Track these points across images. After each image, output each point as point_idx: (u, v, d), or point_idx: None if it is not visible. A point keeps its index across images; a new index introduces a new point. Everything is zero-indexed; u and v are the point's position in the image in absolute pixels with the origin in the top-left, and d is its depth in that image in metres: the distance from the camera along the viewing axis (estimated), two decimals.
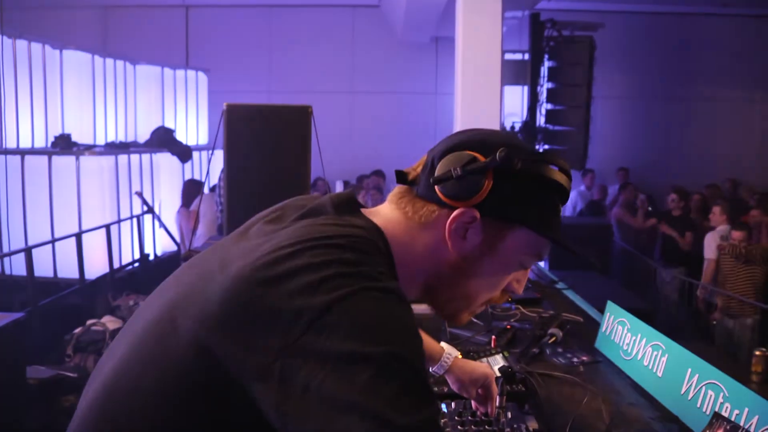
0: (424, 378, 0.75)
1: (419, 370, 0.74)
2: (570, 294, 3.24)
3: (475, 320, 2.49)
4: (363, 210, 0.94)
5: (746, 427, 1.52)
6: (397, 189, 0.97)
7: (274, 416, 0.73)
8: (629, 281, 6.40)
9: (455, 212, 0.88)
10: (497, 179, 0.87)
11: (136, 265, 6.06)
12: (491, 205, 0.88)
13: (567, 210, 8.05)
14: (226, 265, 0.82)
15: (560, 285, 3.34)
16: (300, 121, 3.24)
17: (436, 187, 0.89)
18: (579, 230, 6.88)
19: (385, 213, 0.94)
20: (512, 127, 7.07)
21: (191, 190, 6.20)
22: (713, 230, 5.42)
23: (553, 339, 2.26)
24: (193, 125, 8.32)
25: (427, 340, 1.46)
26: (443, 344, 1.48)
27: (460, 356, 1.50)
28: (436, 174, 0.89)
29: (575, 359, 2.17)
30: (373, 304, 0.75)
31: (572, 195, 8.09)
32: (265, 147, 3.20)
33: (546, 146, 6.85)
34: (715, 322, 5.08)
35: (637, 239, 6.95)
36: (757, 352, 3.27)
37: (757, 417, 1.51)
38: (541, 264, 4.06)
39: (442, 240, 0.90)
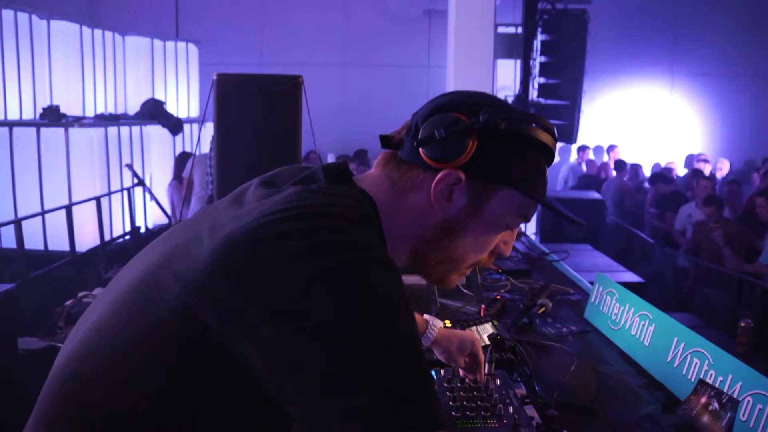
0: (419, 354, 0.75)
1: (413, 346, 0.75)
2: (560, 266, 3.26)
3: (465, 291, 2.50)
4: (354, 178, 0.94)
5: (730, 392, 1.55)
6: (382, 154, 0.97)
7: (265, 376, 0.73)
8: (622, 256, 6.45)
9: (440, 174, 0.88)
10: (481, 140, 0.87)
11: (127, 238, 6.04)
12: (476, 166, 0.87)
13: (558, 184, 8.06)
14: (216, 228, 0.82)
15: (551, 257, 3.35)
16: (291, 92, 3.21)
17: (420, 149, 0.89)
18: (571, 204, 6.90)
19: (373, 179, 0.94)
20: (505, 101, 7.04)
21: (183, 163, 6.15)
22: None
23: (543, 309, 2.28)
24: (184, 98, 8.24)
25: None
26: (426, 316, 1.48)
27: (445, 326, 1.51)
28: (419, 136, 0.89)
29: (564, 329, 2.19)
30: (365, 274, 0.75)
31: (564, 169, 8.13)
32: (256, 117, 3.17)
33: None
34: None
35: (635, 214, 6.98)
36: (742, 324, 3.33)
37: (740, 383, 1.53)
38: (532, 237, 4.07)
39: (428, 203, 0.90)
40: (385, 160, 0.95)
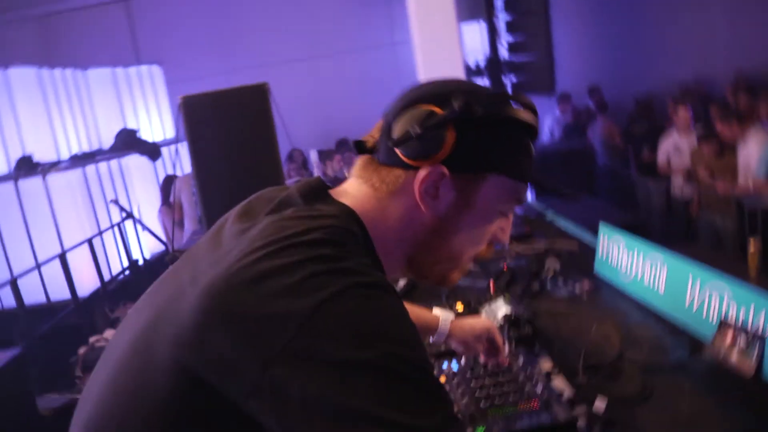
0: (430, 372, 0.71)
1: (423, 365, 0.71)
2: (561, 222, 3.22)
3: (470, 267, 2.46)
4: (332, 192, 0.90)
5: (755, 327, 1.52)
6: (359, 161, 0.92)
7: (278, 430, 0.69)
8: (617, 199, 6.41)
9: (422, 173, 0.83)
10: (460, 130, 0.82)
11: (127, 273, 5.98)
12: (458, 158, 0.83)
13: (545, 137, 8.00)
14: (197, 279, 0.77)
15: (549, 215, 3.31)
16: (259, 100, 3.15)
17: (396, 150, 0.84)
18: (560, 156, 6.86)
19: (353, 190, 0.89)
20: (477, 65, 6.96)
21: (170, 187, 6.07)
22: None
23: (552, 271, 2.24)
24: (157, 121, 8.13)
25: (419, 312, 1.43)
26: (436, 310, 1.45)
27: (457, 311, 1.48)
28: (394, 137, 0.84)
29: (577, 288, 2.16)
30: (362, 303, 0.70)
31: (548, 122, 8.06)
32: (229, 132, 3.11)
33: (513, 78, 6.75)
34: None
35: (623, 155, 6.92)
36: (752, 244, 3.30)
37: (763, 312, 1.50)
38: (528, 197, 4.03)
39: (414, 205, 0.85)
40: (362, 166, 0.91)
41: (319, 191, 0.88)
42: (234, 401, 0.70)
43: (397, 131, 0.84)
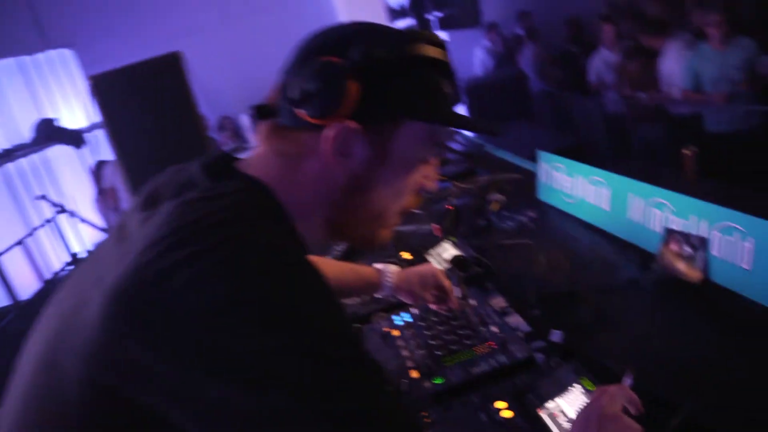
0: (358, 353, 0.64)
1: (349, 346, 0.64)
2: (501, 153, 3.19)
3: (414, 210, 2.41)
4: (238, 165, 0.81)
5: (697, 232, 1.51)
6: (263, 127, 0.83)
7: None
8: (556, 123, 6.43)
9: (329, 131, 0.75)
10: (363, 78, 0.74)
11: (70, 268, 5.75)
12: (366, 109, 0.75)
13: (478, 70, 7.92)
14: (101, 278, 0.69)
15: (489, 147, 3.27)
16: (173, 70, 2.95)
17: (298, 110, 0.76)
18: (496, 86, 6.80)
19: (260, 161, 0.81)
20: (400, 5, 6.78)
21: (102, 173, 5.80)
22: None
23: (496, 205, 2.20)
24: (77, 107, 7.72)
25: (359, 270, 1.37)
26: (378, 265, 1.38)
27: (404, 260, 1.42)
28: (292, 96, 0.76)
29: (523, 218, 2.13)
30: (279, 286, 0.63)
31: (479, 53, 7.98)
32: (147, 107, 2.92)
33: (438, 13, 6.61)
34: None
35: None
36: (686, 152, 3.34)
37: (706, 221, 1.49)
38: (466, 132, 3.98)
39: (327, 166, 0.77)
40: (266, 133, 0.82)
41: (224, 166, 0.80)
42: (154, 411, 0.63)
43: (294, 90, 0.76)
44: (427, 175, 0.86)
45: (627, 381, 0.94)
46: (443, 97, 0.80)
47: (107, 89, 2.99)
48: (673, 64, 4.53)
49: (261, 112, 0.81)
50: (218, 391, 0.60)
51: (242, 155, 0.86)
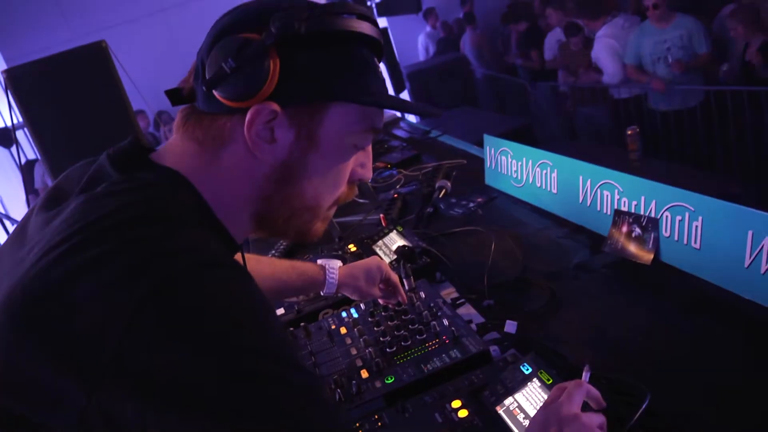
0: (292, 366, 0.57)
1: (281, 359, 0.57)
2: (446, 139, 3.14)
3: (360, 200, 2.34)
4: (153, 156, 0.72)
5: (647, 213, 1.49)
6: (178, 114, 0.74)
7: None
8: (501, 105, 6.44)
9: (248, 114, 0.67)
10: (284, 56, 0.67)
11: None
12: (289, 90, 0.67)
13: (420, 55, 7.88)
14: None
15: (434, 133, 3.22)
16: (99, 60, 2.76)
17: (214, 92, 0.67)
18: (438, 70, 6.76)
19: (177, 149, 0.72)
20: None
21: (33, 171, 5.52)
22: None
23: (443, 191, 2.15)
24: (3, 104, 7.31)
25: (301, 267, 1.29)
26: (320, 261, 1.30)
27: (350, 252, 1.35)
28: (207, 77, 0.67)
29: (471, 204, 2.08)
30: (198, 291, 0.56)
31: (421, 39, 7.93)
32: (71, 103, 2.72)
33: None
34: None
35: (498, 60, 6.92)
36: (629, 131, 3.38)
37: (654, 201, 1.47)
38: (411, 118, 3.93)
39: (249, 154, 0.69)
40: (183, 119, 0.73)
41: (136, 156, 0.71)
42: None
43: (209, 70, 0.67)
44: (363, 163, 0.79)
45: (585, 376, 0.90)
46: (374, 75, 0.73)
47: (25, 83, 2.79)
48: (613, 43, 4.58)
49: (175, 97, 0.73)
50: (132, 410, 0.52)
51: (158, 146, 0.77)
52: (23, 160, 6.16)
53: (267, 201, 0.73)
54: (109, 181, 0.67)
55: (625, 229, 1.55)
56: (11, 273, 0.61)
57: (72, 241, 0.58)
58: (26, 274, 0.58)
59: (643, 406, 0.86)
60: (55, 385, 0.55)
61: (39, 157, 5.24)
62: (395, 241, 1.69)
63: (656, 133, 4.32)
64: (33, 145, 2.90)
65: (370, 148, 0.80)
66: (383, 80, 0.75)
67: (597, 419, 0.83)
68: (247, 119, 0.67)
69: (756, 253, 1.23)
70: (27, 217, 0.74)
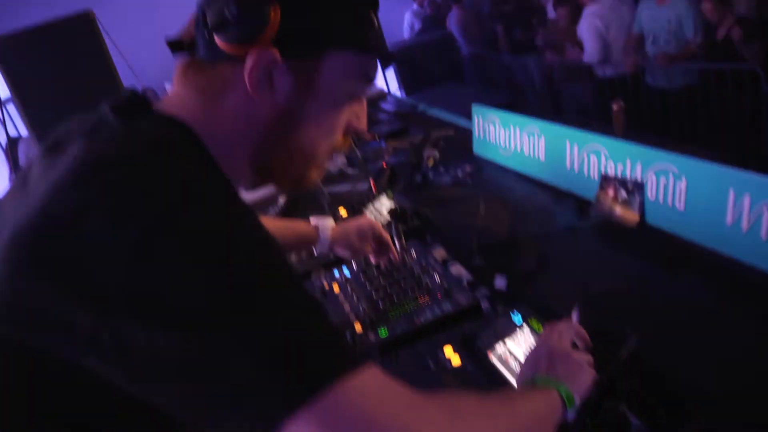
0: (301, 287, 0.59)
1: (289, 279, 0.59)
2: (434, 112, 3.16)
3: (349, 171, 2.35)
4: (154, 106, 0.73)
5: (632, 176, 1.52)
6: (178, 65, 0.75)
7: (128, 387, 0.56)
8: (488, 82, 6.45)
9: (248, 60, 0.68)
10: (285, 2, 0.68)
11: None
12: (289, 37, 0.69)
13: (406, 33, 7.85)
14: (0, 230, 0.61)
15: (422, 107, 3.23)
16: (86, 31, 2.73)
17: (216, 39, 0.69)
18: (424, 48, 6.75)
19: (177, 99, 0.74)
20: None
21: (16, 150, 5.42)
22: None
23: (432, 161, 2.17)
24: None
25: (295, 226, 1.31)
26: (313, 220, 1.32)
27: (340, 216, 1.37)
28: (209, 23, 0.69)
29: (459, 172, 2.10)
30: (205, 219, 0.57)
31: (407, 17, 7.90)
32: (58, 74, 2.68)
33: None
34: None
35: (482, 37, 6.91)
36: (615, 107, 3.41)
37: (639, 164, 1.50)
38: (397, 94, 3.94)
39: (249, 101, 0.71)
40: (183, 69, 0.75)
41: (138, 106, 0.72)
42: (72, 363, 0.56)
43: (211, 17, 0.69)
44: (357, 114, 0.81)
45: (574, 316, 0.93)
46: (371, 27, 0.75)
47: (13, 53, 2.74)
48: (597, 23, 4.60)
49: (176, 47, 0.74)
50: (145, 336, 0.54)
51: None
52: (4, 140, 6.07)
53: (265, 148, 0.74)
54: (112, 128, 0.68)
55: (611, 193, 1.58)
56: (17, 212, 0.62)
57: (77, 178, 0.59)
58: (35, 209, 0.59)
59: (629, 346, 0.89)
60: (64, 311, 0.56)
61: (26, 132, 5.16)
62: (385, 205, 1.71)
63: (644, 111, 4.35)
64: (22, 119, 2.86)
65: (365, 101, 0.82)
66: (378, 31, 0.77)
67: (585, 356, 0.86)
68: (247, 65, 0.69)
69: (738, 211, 1.27)
70: (29, 167, 0.74)
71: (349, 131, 0.82)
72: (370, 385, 0.54)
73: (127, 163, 0.60)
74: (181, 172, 0.61)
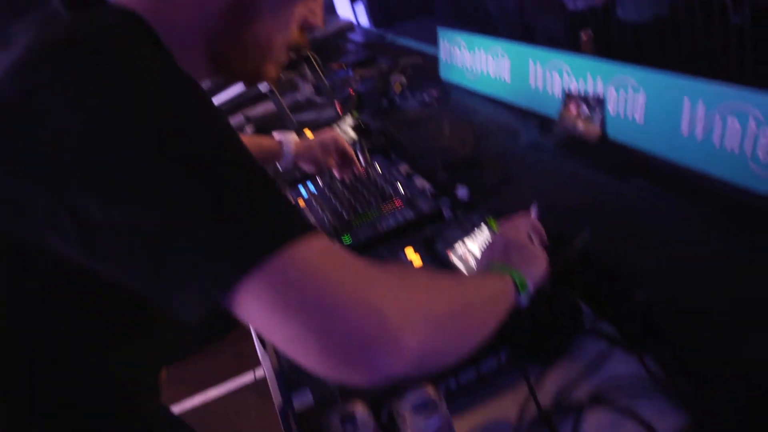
0: (253, 162, 0.60)
1: (239, 150, 0.59)
2: (403, 40, 3.12)
3: (317, 99, 2.33)
4: None
5: (594, 92, 1.54)
6: None
7: (90, 266, 0.57)
8: (458, 15, 6.35)
9: None
10: None
11: None
12: None
13: None
14: None
15: (390, 37, 3.19)
16: None
17: None
18: None
19: None
20: None
21: None
22: None
23: (399, 86, 2.16)
24: None
25: (259, 141, 1.31)
26: (276, 135, 1.32)
27: (305, 136, 1.37)
28: None
29: (426, 97, 2.10)
30: (160, 95, 0.57)
31: None
32: None
33: None
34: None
35: None
36: (584, 37, 3.40)
37: (600, 78, 1.52)
38: (365, 24, 3.87)
39: None
40: None
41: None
42: (34, 245, 0.57)
43: None
44: (313, 10, 0.80)
45: (533, 211, 0.95)
46: None
47: None
48: None
49: None
50: (101, 213, 0.54)
51: None
52: None
53: (219, 38, 0.74)
54: (62, 18, 0.67)
55: (573, 109, 1.60)
56: None
57: (27, 62, 0.58)
58: None
59: (583, 238, 0.92)
60: (23, 195, 0.56)
61: None
62: (350, 123, 1.71)
63: (615, 44, 4.34)
64: None
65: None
66: None
67: (541, 251, 0.89)
68: None
69: (692, 120, 1.30)
70: None
71: (305, 27, 0.82)
72: (321, 250, 0.55)
73: (77, 47, 0.59)
74: (130, 54, 0.60)
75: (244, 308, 0.52)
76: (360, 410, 0.76)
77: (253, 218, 0.54)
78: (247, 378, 2.76)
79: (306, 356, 0.52)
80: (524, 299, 0.82)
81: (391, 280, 0.58)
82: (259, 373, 2.67)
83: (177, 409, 2.66)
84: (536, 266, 0.85)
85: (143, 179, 0.55)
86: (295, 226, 0.55)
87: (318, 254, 0.54)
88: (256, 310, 0.52)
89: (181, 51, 0.72)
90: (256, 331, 0.63)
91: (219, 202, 0.54)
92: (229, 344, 2.92)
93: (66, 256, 0.58)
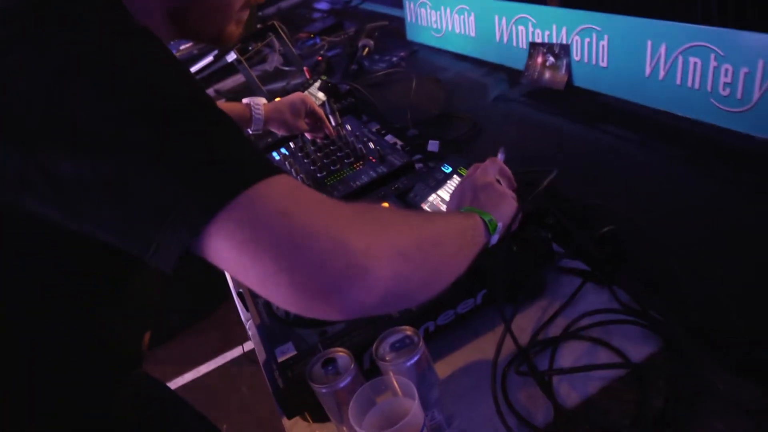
0: (218, 111, 0.60)
1: (202, 101, 0.59)
2: (368, 6, 3.10)
3: (286, 68, 2.32)
4: None
5: (559, 41, 1.55)
6: None
7: (66, 224, 0.57)
8: None
9: None
10: None
11: None
12: None
13: None
14: None
15: (356, 1, 3.16)
16: None
17: None
18: None
19: None
20: None
21: None
22: None
23: (366, 50, 2.15)
24: None
25: (228, 106, 1.31)
26: (245, 100, 1.32)
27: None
28: None
29: (394, 58, 2.10)
30: (120, 50, 0.57)
31: None
32: None
33: None
34: None
35: None
36: None
37: (565, 28, 1.53)
38: None
39: None
40: None
41: None
42: (9, 205, 0.57)
43: None
44: None
45: (500, 155, 0.97)
46: None
47: None
48: None
49: None
50: (70, 166, 0.54)
51: None
52: None
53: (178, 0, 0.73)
54: None
55: (540, 59, 1.61)
56: None
57: (1, 17, 0.58)
58: None
59: (551, 177, 0.94)
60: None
61: None
62: (319, 86, 1.71)
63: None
64: None
65: None
66: None
67: (508, 192, 0.90)
68: None
69: (655, 61, 1.31)
70: None
71: None
72: (288, 188, 0.55)
73: (41, 7, 0.59)
74: (92, 15, 0.60)
75: (216, 251, 0.53)
76: (341, 355, 0.78)
77: (219, 161, 0.55)
78: (235, 352, 2.78)
79: (279, 293, 0.52)
80: (494, 238, 0.84)
81: (359, 215, 0.59)
82: (248, 345, 2.69)
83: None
84: (505, 206, 0.87)
85: (107, 131, 0.55)
86: (261, 167, 0.56)
87: (286, 192, 0.54)
88: (228, 251, 0.52)
89: (141, 11, 0.72)
90: (229, 273, 0.64)
91: (184, 147, 0.55)
92: (215, 324, 2.94)
93: (43, 217, 0.59)
